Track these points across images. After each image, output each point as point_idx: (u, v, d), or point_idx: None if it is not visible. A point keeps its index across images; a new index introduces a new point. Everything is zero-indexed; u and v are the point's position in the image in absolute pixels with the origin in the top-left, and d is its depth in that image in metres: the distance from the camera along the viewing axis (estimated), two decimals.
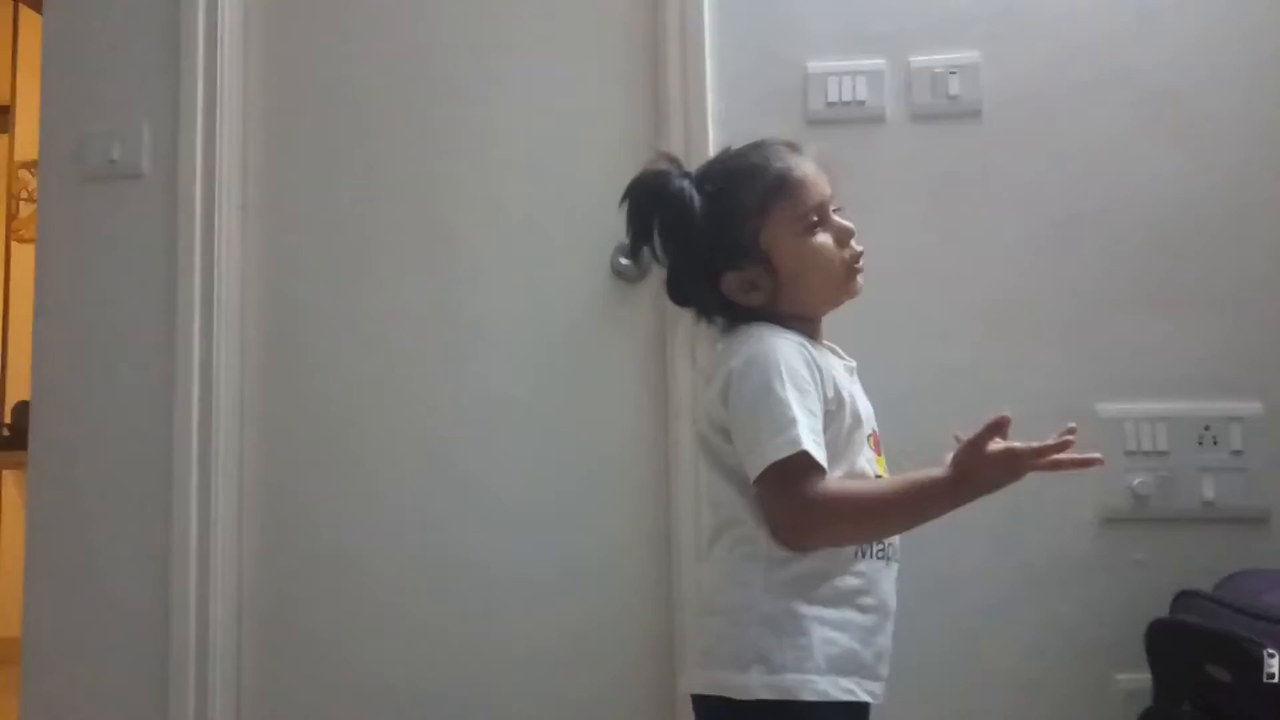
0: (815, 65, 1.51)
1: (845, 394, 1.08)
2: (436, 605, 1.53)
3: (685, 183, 1.12)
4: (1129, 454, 1.41)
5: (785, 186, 1.10)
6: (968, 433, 1.00)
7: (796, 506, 1.00)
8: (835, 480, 1.02)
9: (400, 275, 1.59)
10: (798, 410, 1.00)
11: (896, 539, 1.09)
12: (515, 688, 1.50)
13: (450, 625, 1.53)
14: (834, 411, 1.06)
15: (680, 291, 1.16)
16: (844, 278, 1.13)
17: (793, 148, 1.15)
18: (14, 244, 3.64)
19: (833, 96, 1.50)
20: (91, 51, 1.66)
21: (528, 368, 1.54)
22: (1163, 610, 1.30)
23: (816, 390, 1.04)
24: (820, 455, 1.00)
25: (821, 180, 1.12)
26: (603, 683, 1.48)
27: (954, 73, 1.49)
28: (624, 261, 1.51)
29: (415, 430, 1.56)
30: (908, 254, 1.48)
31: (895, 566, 1.10)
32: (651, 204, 1.12)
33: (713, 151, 1.50)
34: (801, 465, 0.99)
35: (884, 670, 1.05)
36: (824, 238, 1.11)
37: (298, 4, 1.66)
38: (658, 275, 1.51)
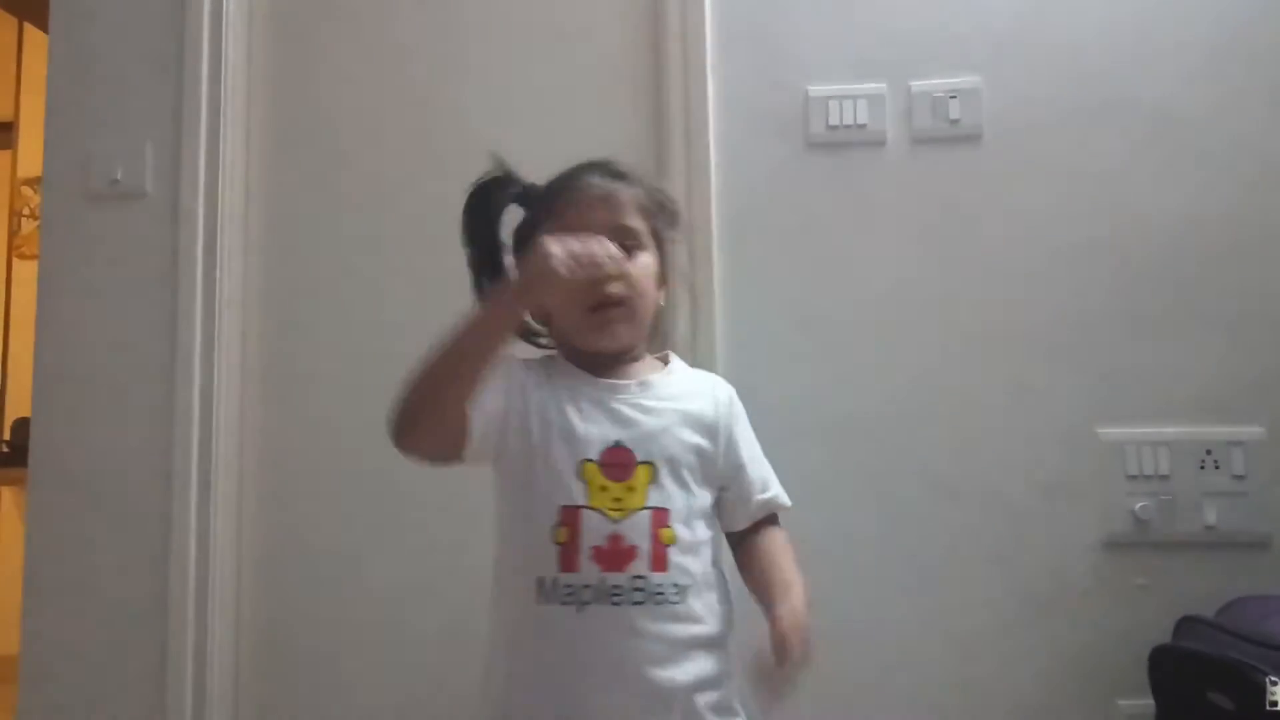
0: (816, 89, 1.52)
1: (544, 423, 1.02)
2: (435, 620, 1.53)
3: (507, 192, 1.12)
4: (1130, 478, 1.41)
5: (551, 208, 1.08)
6: None
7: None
8: None
9: (402, 295, 1.59)
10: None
11: (620, 578, 0.97)
12: None
13: (449, 638, 1.52)
14: (512, 438, 1.02)
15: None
16: (583, 319, 1.04)
17: (609, 174, 1.09)
18: (15, 260, 3.65)
19: (834, 120, 1.51)
20: (96, 70, 1.67)
21: None
22: (1165, 635, 1.30)
23: (500, 387, 1.02)
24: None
25: (599, 213, 1.05)
26: None
27: (954, 97, 1.50)
28: None
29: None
30: (908, 277, 1.49)
31: (608, 612, 0.96)
32: (473, 214, 1.13)
33: (714, 175, 1.52)
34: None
35: None
36: None
37: (301, 24, 1.67)
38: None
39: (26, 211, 3.62)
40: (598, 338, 1.05)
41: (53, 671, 1.56)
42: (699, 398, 1.09)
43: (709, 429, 1.07)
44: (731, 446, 1.08)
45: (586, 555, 0.97)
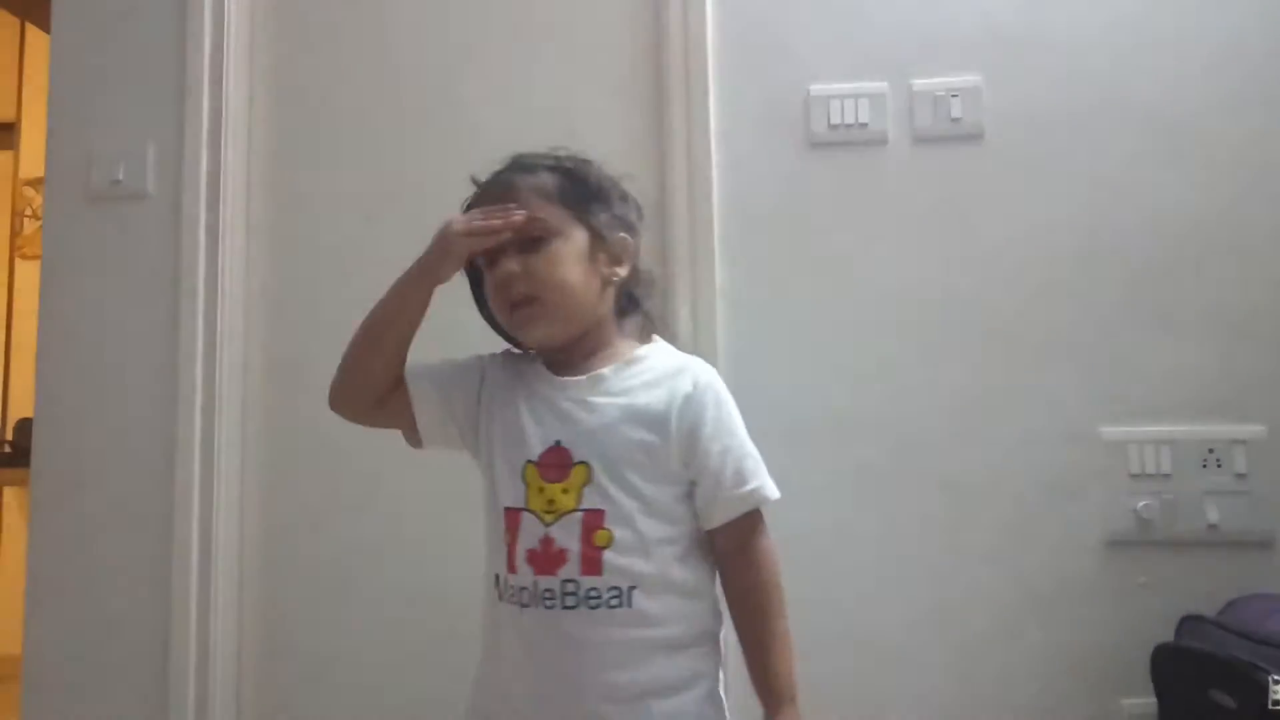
0: (817, 88, 1.52)
1: (515, 423, 1.02)
2: (438, 620, 1.53)
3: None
4: (1133, 477, 1.41)
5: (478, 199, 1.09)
6: None
7: None
8: None
9: None
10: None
11: (551, 582, 0.95)
12: None
13: (452, 639, 1.51)
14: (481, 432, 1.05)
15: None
16: (505, 319, 1.05)
17: (517, 168, 1.09)
18: (18, 261, 3.65)
19: (835, 119, 1.51)
20: (98, 71, 1.67)
21: None
22: (1168, 634, 1.30)
23: (467, 383, 1.07)
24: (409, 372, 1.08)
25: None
26: None
27: (956, 96, 1.49)
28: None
29: (420, 451, 1.55)
30: (909, 276, 1.48)
31: (541, 615, 0.95)
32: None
33: (716, 174, 1.51)
34: None
35: None
36: (489, 275, 1.05)
37: (303, 25, 1.67)
38: (661, 294, 1.52)
39: (29, 212, 3.62)
40: (526, 337, 1.06)
41: (56, 670, 1.56)
42: (655, 389, 1.02)
43: (657, 423, 1.00)
44: (693, 438, 1.00)
45: (522, 558, 0.97)
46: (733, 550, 1.01)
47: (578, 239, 1.03)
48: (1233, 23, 1.48)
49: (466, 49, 1.62)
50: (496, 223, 0.99)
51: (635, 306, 1.10)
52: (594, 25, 1.60)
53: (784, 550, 1.44)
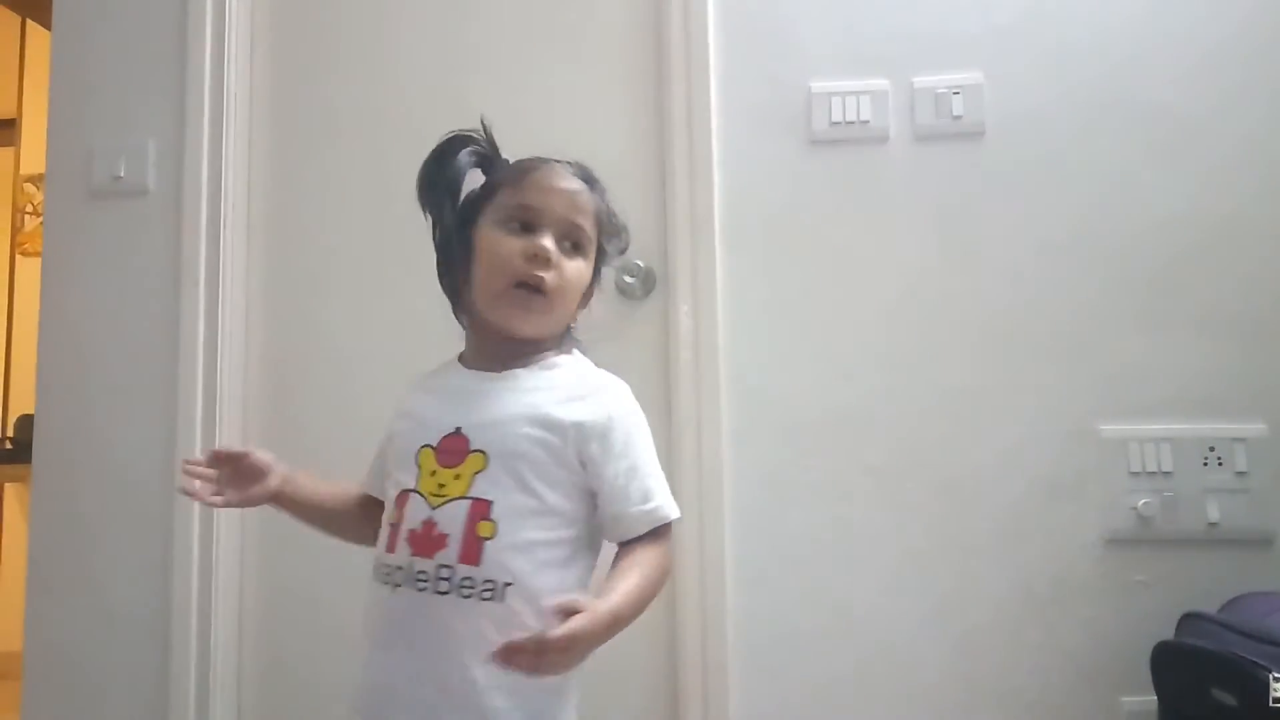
0: (819, 85, 1.52)
1: (413, 413, 1.04)
2: None
3: (468, 152, 1.08)
4: (1133, 475, 1.41)
5: (514, 176, 1.06)
6: None
7: None
8: None
9: (405, 293, 1.59)
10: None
11: (427, 564, 0.93)
12: None
13: None
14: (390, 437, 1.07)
15: (437, 263, 1.11)
16: (502, 290, 1.00)
17: (580, 173, 1.08)
18: (19, 257, 3.65)
19: (836, 116, 1.51)
20: (98, 68, 1.67)
21: None
22: (1168, 632, 1.30)
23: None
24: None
25: (559, 200, 1.03)
26: (607, 692, 1.47)
27: (957, 93, 1.49)
28: (629, 280, 1.51)
29: None
30: (911, 273, 1.48)
31: (413, 596, 0.93)
32: (429, 168, 1.10)
33: (717, 170, 1.51)
34: None
35: (382, 711, 0.96)
36: (513, 241, 1.00)
37: (303, 22, 1.67)
38: (662, 292, 1.52)
39: (30, 208, 3.62)
40: (511, 315, 1.01)
41: (56, 667, 1.57)
42: (567, 394, 1.01)
43: (561, 427, 0.98)
44: (602, 450, 0.98)
45: (404, 538, 0.96)
46: (625, 549, 0.99)
47: (587, 272, 1.05)
48: (1233, 21, 1.47)
49: (467, 46, 1.62)
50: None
51: (560, 344, 1.08)
52: (595, 24, 1.60)
53: (783, 549, 1.46)
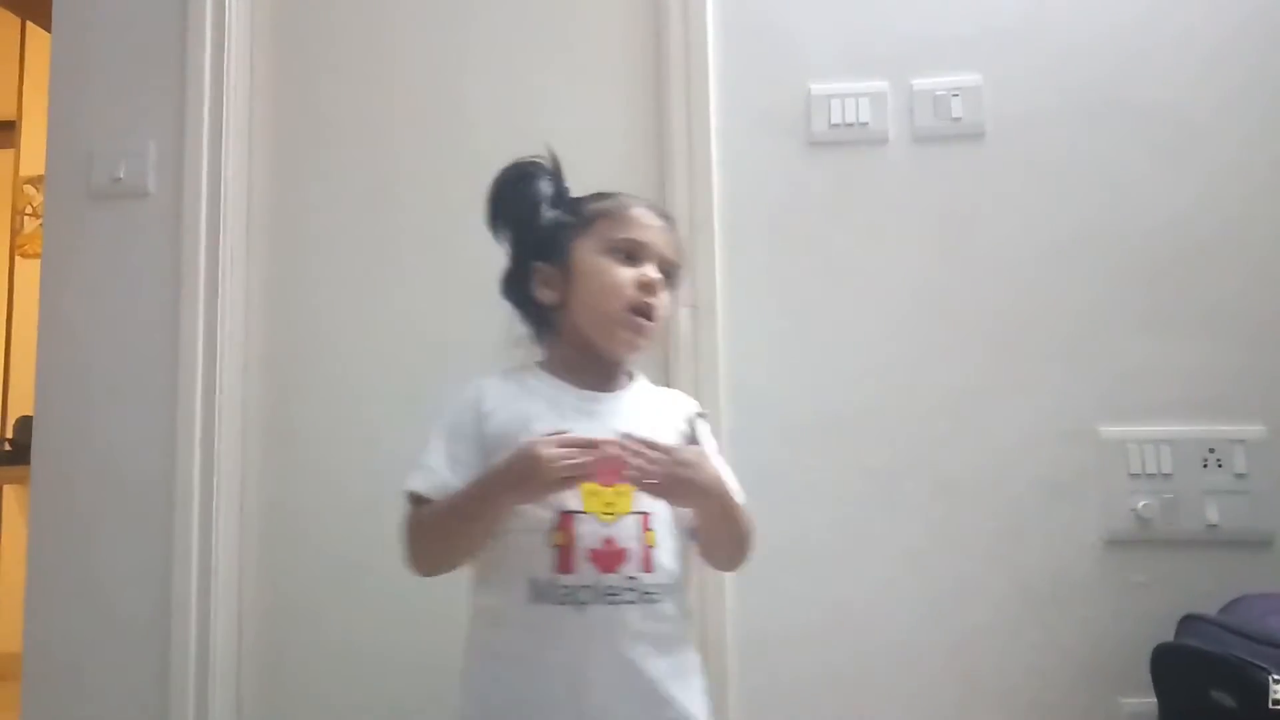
0: (818, 87, 1.52)
1: (530, 433, 1.04)
2: (439, 625, 1.52)
3: (547, 180, 1.19)
4: (1133, 476, 1.41)
5: (617, 212, 1.15)
6: None
7: (401, 536, 1.09)
8: (425, 506, 1.08)
9: (403, 295, 1.59)
10: (434, 452, 1.09)
11: (615, 579, 1.01)
12: None
13: (452, 645, 1.52)
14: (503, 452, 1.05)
15: (505, 278, 1.21)
16: (617, 315, 1.10)
17: (661, 213, 1.18)
18: (18, 259, 3.66)
19: (835, 118, 1.51)
20: (98, 70, 1.67)
21: None
22: (1167, 633, 1.30)
23: (470, 437, 1.09)
24: (431, 491, 1.07)
25: (658, 236, 1.14)
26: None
27: (956, 95, 1.49)
28: None
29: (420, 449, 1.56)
30: (910, 275, 1.49)
31: (607, 611, 1.01)
32: (512, 187, 1.20)
33: (716, 172, 1.52)
34: (411, 501, 1.10)
35: None
36: (623, 270, 1.11)
37: (303, 24, 1.67)
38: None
39: (29, 210, 3.62)
40: (620, 340, 1.11)
41: (56, 669, 1.56)
42: (668, 408, 1.16)
43: (678, 438, 1.11)
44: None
45: (583, 557, 1.01)
46: None
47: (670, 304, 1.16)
48: (1233, 22, 1.48)
49: (466, 48, 1.62)
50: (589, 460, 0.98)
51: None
52: (594, 25, 1.60)
53: (783, 549, 1.45)
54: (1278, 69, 1.46)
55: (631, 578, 1.02)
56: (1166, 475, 1.40)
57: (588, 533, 1.02)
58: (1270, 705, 1.07)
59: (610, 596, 1.01)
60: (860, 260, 1.50)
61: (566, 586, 1.01)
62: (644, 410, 1.12)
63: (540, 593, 1.01)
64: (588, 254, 1.13)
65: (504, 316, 1.55)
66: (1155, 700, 1.26)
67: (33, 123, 3.50)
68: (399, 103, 1.63)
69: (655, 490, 0.99)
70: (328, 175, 1.63)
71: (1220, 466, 1.40)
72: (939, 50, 1.51)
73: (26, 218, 3.63)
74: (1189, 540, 1.40)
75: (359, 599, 1.55)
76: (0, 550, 3.28)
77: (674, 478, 0.98)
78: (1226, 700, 1.12)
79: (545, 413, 1.08)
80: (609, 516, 1.03)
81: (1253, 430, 1.40)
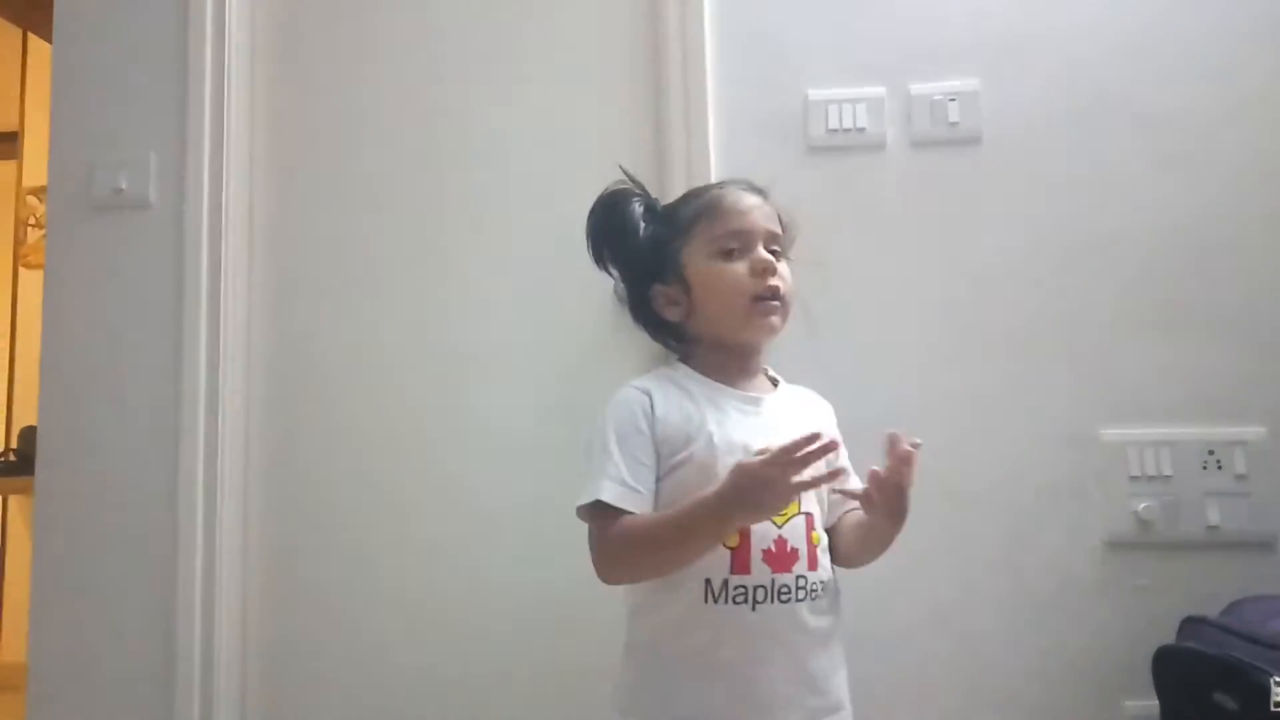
0: (816, 93, 1.53)
1: (705, 435, 1.08)
2: (442, 634, 1.53)
3: (636, 202, 1.22)
4: (1133, 479, 1.41)
5: (709, 209, 1.17)
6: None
7: (595, 547, 1.08)
8: (630, 518, 1.05)
9: (405, 305, 1.60)
10: (614, 460, 1.07)
11: (787, 578, 1.05)
12: (522, 715, 1.49)
13: (456, 657, 1.52)
14: (680, 454, 1.08)
15: (630, 307, 1.25)
16: (746, 309, 1.13)
17: (751, 188, 1.19)
18: (21, 270, 3.66)
19: (833, 123, 1.52)
20: (100, 81, 1.68)
21: (532, 397, 1.54)
22: (1169, 635, 1.30)
23: (646, 438, 1.09)
24: (620, 500, 1.05)
25: (757, 215, 1.16)
26: (607, 707, 1.47)
27: (954, 100, 1.50)
28: None
29: (421, 459, 1.56)
30: (909, 280, 1.49)
31: (779, 609, 1.05)
32: (605, 220, 1.22)
33: (715, 178, 1.51)
34: (599, 512, 1.06)
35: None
36: (736, 265, 1.13)
37: (304, 35, 1.68)
38: None
39: (32, 221, 3.63)
40: (757, 328, 1.14)
41: (60, 679, 1.57)
42: (816, 409, 1.22)
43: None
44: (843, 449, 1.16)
45: (758, 558, 1.05)
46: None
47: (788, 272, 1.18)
48: (1230, 27, 1.48)
49: (466, 57, 1.63)
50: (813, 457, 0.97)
51: None
52: (592, 30, 1.60)
53: None
54: (1274, 74, 1.46)
55: (801, 576, 1.06)
56: (1167, 478, 1.41)
57: (761, 533, 1.05)
58: (1272, 707, 1.07)
59: (783, 595, 1.05)
60: (859, 265, 1.50)
61: (742, 586, 1.04)
62: (799, 411, 1.17)
63: (714, 593, 1.04)
64: (698, 262, 1.15)
65: (506, 325, 1.57)
66: (1157, 703, 1.26)
67: (35, 134, 3.51)
68: (399, 113, 1.64)
69: (894, 504, 1.03)
70: (329, 185, 1.64)
71: (1221, 468, 1.40)
72: (936, 56, 1.52)
73: (30, 228, 3.64)
74: (1190, 542, 1.40)
75: (364, 607, 1.56)
76: (4, 561, 3.28)
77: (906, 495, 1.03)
78: (1229, 703, 1.12)
79: (710, 411, 1.11)
80: (780, 517, 1.06)
81: (1253, 432, 1.41)
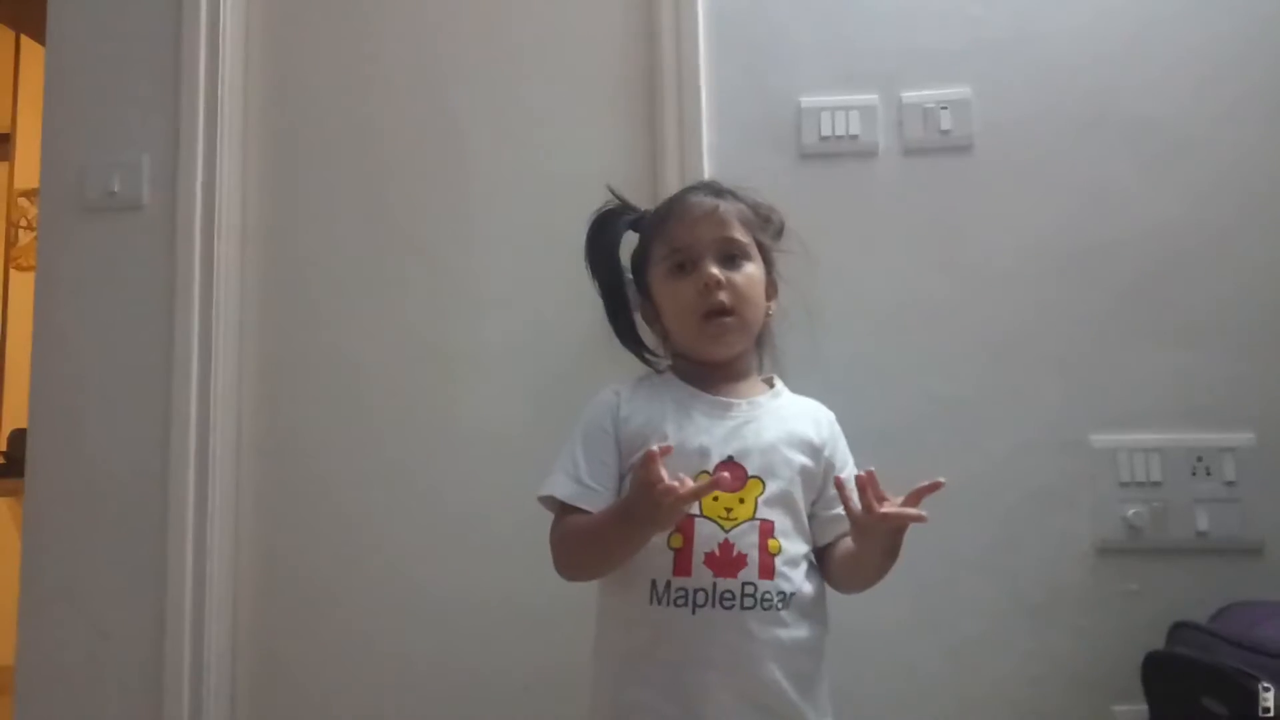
0: (808, 100, 1.53)
1: (660, 436, 1.08)
2: (428, 640, 1.53)
3: (622, 219, 1.23)
4: (1122, 485, 1.42)
5: (659, 224, 1.17)
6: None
7: (549, 541, 1.11)
8: (574, 516, 1.08)
9: (397, 307, 1.60)
10: (575, 458, 1.10)
11: (732, 584, 1.03)
12: (515, 716, 1.49)
13: (442, 661, 1.52)
14: (638, 455, 1.04)
15: (616, 333, 1.25)
16: (698, 327, 1.13)
17: (711, 191, 1.18)
18: (13, 272, 3.65)
19: (825, 131, 1.52)
20: (92, 83, 1.68)
21: (524, 398, 1.54)
22: (1159, 641, 1.30)
23: (610, 438, 1.11)
24: (572, 497, 1.08)
25: (704, 227, 1.13)
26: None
27: (945, 107, 1.51)
28: None
29: (412, 462, 1.56)
30: (901, 287, 1.49)
31: (721, 615, 1.03)
32: (590, 246, 1.24)
33: None
34: (553, 506, 1.11)
35: None
36: (685, 283, 1.13)
37: (298, 36, 1.68)
38: None
39: (24, 223, 3.62)
40: (711, 345, 1.13)
41: (49, 683, 1.56)
42: (804, 419, 1.17)
43: (813, 450, 1.14)
44: (830, 468, 1.15)
45: (699, 560, 1.04)
46: (833, 544, 1.15)
47: (759, 272, 1.16)
48: (1222, 33, 1.49)
49: (459, 63, 1.63)
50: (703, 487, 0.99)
51: (762, 342, 1.23)
52: (585, 37, 1.61)
53: None
54: (1267, 83, 1.48)
55: (750, 584, 1.03)
56: (1157, 484, 1.41)
57: (706, 536, 1.04)
58: (1260, 713, 1.07)
59: (726, 601, 1.03)
60: (851, 272, 1.50)
61: (682, 589, 1.03)
62: (781, 417, 1.14)
63: (658, 594, 1.04)
64: (656, 279, 1.17)
65: (498, 327, 1.57)
66: (1147, 708, 1.26)
67: (27, 136, 3.51)
68: (393, 116, 1.64)
69: (890, 541, 1.02)
70: (322, 187, 1.64)
71: (1209, 475, 1.40)
72: (928, 63, 1.53)
73: (21, 230, 3.63)
74: (1179, 548, 1.40)
75: (356, 610, 1.55)
76: None
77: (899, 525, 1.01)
78: (1217, 708, 1.12)
79: (673, 414, 1.11)
80: (729, 522, 1.05)
81: (1242, 438, 1.41)
